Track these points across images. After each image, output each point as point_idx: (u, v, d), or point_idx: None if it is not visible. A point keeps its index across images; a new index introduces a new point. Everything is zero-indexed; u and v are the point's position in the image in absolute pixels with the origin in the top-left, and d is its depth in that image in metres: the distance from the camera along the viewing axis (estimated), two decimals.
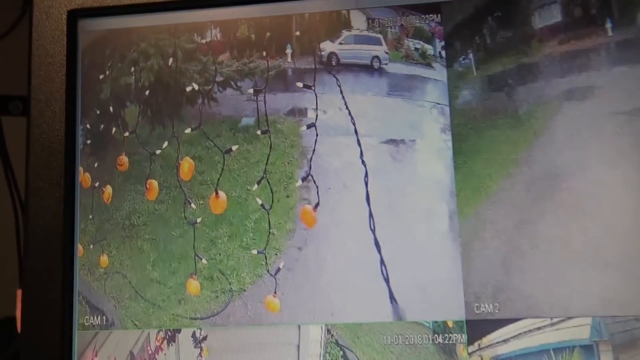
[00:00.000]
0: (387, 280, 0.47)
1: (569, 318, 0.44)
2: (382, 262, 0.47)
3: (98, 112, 0.54)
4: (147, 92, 0.53)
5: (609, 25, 0.47)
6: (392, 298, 0.47)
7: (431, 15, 0.50)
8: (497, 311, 0.45)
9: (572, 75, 0.47)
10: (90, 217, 0.52)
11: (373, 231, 0.47)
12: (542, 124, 0.47)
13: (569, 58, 0.48)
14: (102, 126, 0.54)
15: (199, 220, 0.50)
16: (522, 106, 0.48)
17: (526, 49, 0.48)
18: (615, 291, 0.43)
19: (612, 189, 0.45)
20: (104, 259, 0.52)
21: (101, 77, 0.54)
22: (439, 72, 0.49)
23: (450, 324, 0.46)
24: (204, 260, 0.50)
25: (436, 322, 0.46)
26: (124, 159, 0.53)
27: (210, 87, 0.52)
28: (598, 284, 0.44)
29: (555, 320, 0.44)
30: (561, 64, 0.48)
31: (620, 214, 0.44)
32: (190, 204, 0.51)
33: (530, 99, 0.47)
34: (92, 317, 0.51)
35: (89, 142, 0.54)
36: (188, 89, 0.52)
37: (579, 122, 0.46)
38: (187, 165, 0.51)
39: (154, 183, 0.52)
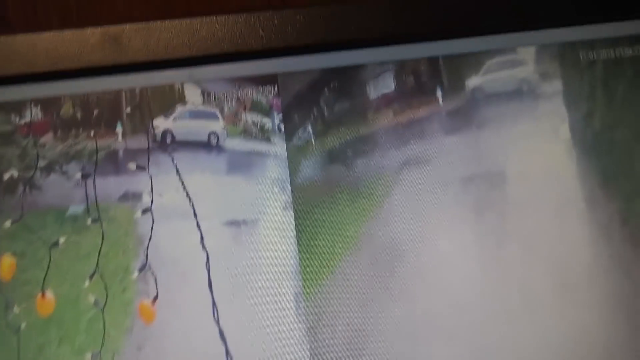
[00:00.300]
0: None
1: None
2: (227, 353, 0.48)
3: None
4: None
5: (439, 94, 0.51)
6: None
7: (268, 86, 0.52)
8: None
9: (407, 145, 0.50)
10: None
11: (217, 321, 0.48)
12: (382, 196, 0.49)
13: (403, 128, 0.50)
14: None
15: (23, 325, 0.48)
16: (361, 179, 0.50)
17: (363, 119, 0.51)
18: None
19: (453, 259, 0.49)
20: None
21: None
22: (279, 147, 0.51)
23: None
24: None
25: None
26: None
27: (32, 173, 0.50)
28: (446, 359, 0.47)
29: None
30: (397, 134, 0.50)
31: (462, 284, 0.48)
32: (12, 307, 0.48)
33: (369, 171, 0.50)
34: None
35: None
36: (6, 176, 0.50)
37: (416, 193, 0.50)
38: (7, 263, 0.50)
39: None
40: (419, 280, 0.47)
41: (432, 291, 0.47)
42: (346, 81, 0.50)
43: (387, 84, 0.50)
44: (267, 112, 0.52)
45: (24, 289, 0.49)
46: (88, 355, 0.48)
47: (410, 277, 0.47)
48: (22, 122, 0.52)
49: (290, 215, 0.50)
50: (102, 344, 0.47)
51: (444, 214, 0.48)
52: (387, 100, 0.50)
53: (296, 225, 0.49)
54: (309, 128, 0.51)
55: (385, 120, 0.51)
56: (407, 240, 0.48)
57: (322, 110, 0.50)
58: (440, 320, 0.46)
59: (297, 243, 0.49)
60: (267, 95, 0.51)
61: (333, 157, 0.49)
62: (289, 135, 0.51)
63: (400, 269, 0.47)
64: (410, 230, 0.48)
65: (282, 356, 0.47)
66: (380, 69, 0.50)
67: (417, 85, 0.50)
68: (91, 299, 0.48)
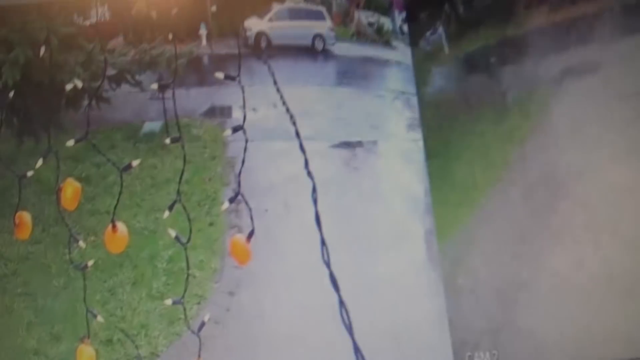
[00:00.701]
0: (349, 329, 0.46)
1: None
2: (341, 304, 0.46)
3: None
4: (11, 94, 0.52)
5: None
6: (357, 351, 0.47)
7: None
8: None
9: (569, 50, 0.49)
10: None
11: (327, 264, 0.47)
12: (538, 111, 0.49)
13: (563, 28, 0.49)
14: None
15: (90, 263, 0.49)
16: (509, 91, 0.49)
17: (510, 17, 0.50)
18: (633, 331, 0.44)
19: (628, 192, 0.46)
20: None
21: None
22: (402, 53, 0.51)
23: None
24: (99, 318, 0.48)
25: None
26: None
27: (99, 83, 0.51)
28: (612, 324, 0.45)
29: None
30: (554, 36, 0.50)
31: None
32: (77, 241, 0.49)
33: (519, 82, 0.49)
34: None
35: None
36: (69, 87, 0.51)
37: (581, 109, 0.49)
38: (70, 190, 0.50)
39: (25, 216, 0.49)
40: (587, 219, 0.46)
41: (603, 232, 0.43)
42: None
43: None
44: (386, 9, 0.52)
45: (91, 220, 0.51)
46: (168, 301, 0.48)
47: (575, 214, 0.46)
48: (87, 23, 0.53)
49: (417, 136, 0.50)
50: (185, 288, 0.48)
51: (616, 136, 0.46)
52: None
53: (425, 149, 0.49)
54: (440, 29, 0.51)
55: (539, 18, 0.50)
56: (571, 170, 0.48)
57: (456, 6, 0.52)
58: (614, 272, 0.42)
59: (427, 170, 0.49)
60: None
61: (472, 65, 0.51)
62: (414, 38, 0.51)
63: (562, 205, 0.46)
64: (574, 157, 0.48)
65: (409, 310, 0.48)
66: None
67: None
68: (171, 233, 0.48)
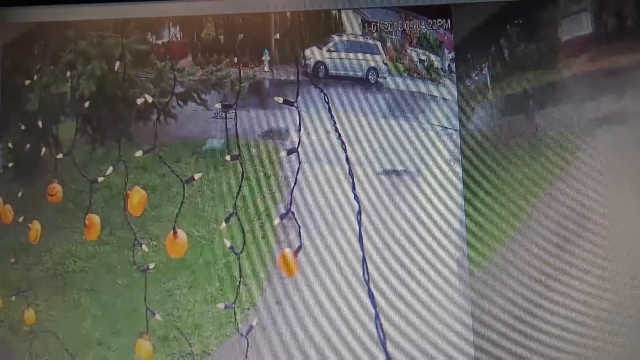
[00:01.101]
0: (383, 341, 0.50)
1: None
2: (377, 318, 0.50)
3: (23, 127, 0.57)
4: (86, 104, 0.56)
5: None
6: None
7: (439, 20, 0.55)
8: None
9: (603, 98, 0.52)
10: (12, 260, 0.55)
11: (367, 281, 0.51)
12: (569, 155, 0.52)
13: (600, 78, 0.53)
14: (28, 145, 0.56)
15: (152, 265, 0.53)
16: (545, 133, 0.52)
17: (551, 64, 0.53)
18: None
19: None
20: (30, 315, 0.54)
21: (27, 82, 0.57)
22: (448, 90, 0.54)
23: None
24: (157, 316, 0.53)
25: None
26: (57, 187, 0.55)
27: (167, 99, 0.55)
28: (627, 349, 0.47)
29: None
30: (591, 84, 0.53)
31: None
32: (141, 245, 0.54)
33: (555, 125, 0.53)
34: None
35: (10, 165, 0.56)
36: (139, 101, 0.55)
37: (612, 154, 0.50)
38: (137, 197, 0.54)
39: (94, 219, 0.54)
40: (609, 258, 0.48)
41: (624, 271, 0.46)
42: (533, 18, 0.51)
43: (582, 25, 0.49)
44: (437, 48, 0.55)
45: (155, 226, 0.55)
46: (220, 306, 0.53)
47: (598, 252, 0.48)
48: (159, 42, 0.56)
49: (457, 169, 0.53)
50: (237, 295, 0.53)
51: (637, 180, 0.47)
52: (581, 44, 0.52)
53: (464, 181, 0.53)
54: (485, 70, 0.54)
55: (578, 66, 0.53)
56: (598, 210, 0.49)
57: (501, 51, 0.54)
58: (634, 304, 0.46)
59: (464, 200, 0.52)
60: (437, 29, 0.55)
61: (512, 106, 0.53)
62: (461, 77, 0.54)
63: (585, 241, 0.48)
64: (602, 198, 0.50)
65: (439, 328, 0.51)
66: (576, 7, 0.50)
67: (620, 27, 0.50)
68: (227, 243, 0.53)
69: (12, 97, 0.56)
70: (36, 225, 0.55)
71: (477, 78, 0.53)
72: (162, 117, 0.55)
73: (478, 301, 0.51)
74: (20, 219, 0.55)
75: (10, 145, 0.56)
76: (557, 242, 0.51)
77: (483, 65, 0.53)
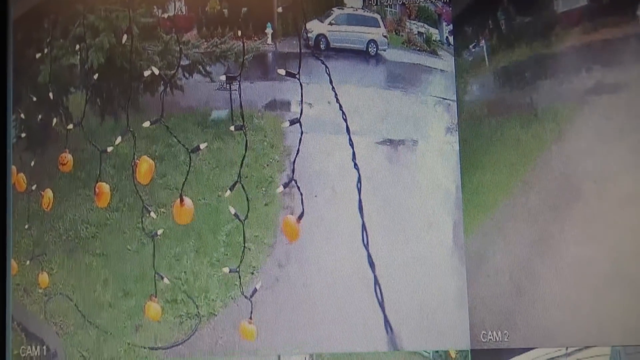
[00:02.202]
0: (381, 304, 0.54)
1: (586, 347, 0.51)
2: (376, 282, 0.53)
3: (34, 98, 0.59)
4: (95, 76, 0.58)
5: None
6: (387, 324, 0.53)
7: None
8: (505, 339, 0.53)
9: (597, 69, 0.54)
10: (26, 226, 0.58)
11: (366, 246, 0.53)
12: (562, 125, 0.54)
13: (594, 50, 0.55)
14: (39, 116, 0.59)
15: (159, 232, 0.56)
16: (539, 104, 0.55)
17: (547, 37, 0.55)
18: (638, 318, 0.50)
19: (637, 198, 0.51)
20: (44, 278, 0.57)
21: (38, 55, 0.60)
22: (446, 61, 0.56)
23: (453, 354, 0.53)
24: (165, 280, 0.56)
25: (437, 352, 0.53)
26: (68, 156, 0.58)
27: (173, 71, 0.57)
28: (619, 310, 0.50)
29: (570, 350, 0.52)
30: (585, 56, 0.55)
31: None
32: (149, 212, 0.56)
33: (549, 96, 0.55)
34: (29, 347, 0.57)
35: (23, 135, 0.59)
36: (146, 73, 0.58)
37: (604, 124, 0.53)
38: (145, 166, 0.56)
39: (104, 187, 0.57)
40: (601, 224, 0.51)
41: (615, 237, 0.50)
42: None
43: None
44: (435, 21, 0.57)
45: (162, 193, 0.57)
46: (225, 270, 0.56)
47: (590, 219, 0.51)
48: (165, 15, 0.59)
49: (454, 139, 0.55)
50: (241, 259, 0.55)
51: (635, 150, 0.50)
52: (577, 16, 0.54)
53: (460, 150, 0.55)
54: (483, 42, 0.56)
55: (573, 39, 0.55)
56: (590, 178, 0.52)
57: (498, 23, 0.56)
58: (621, 269, 0.49)
59: (460, 169, 0.55)
60: (436, 2, 0.57)
61: (508, 77, 0.55)
62: (458, 49, 0.56)
63: (579, 210, 0.51)
64: (594, 168, 0.52)
65: (435, 291, 0.54)
66: None
67: (615, 1, 0.51)
68: (231, 210, 0.56)
69: (24, 70, 0.59)
70: (48, 193, 0.57)
71: (474, 50, 0.55)
72: (168, 89, 0.57)
73: (472, 264, 0.54)
74: (33, 187, 0.58)
75: (22, 116, 0.59)
76: (550, 208, 0.53)
77: (480, 38, 0.55)
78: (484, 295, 0.53)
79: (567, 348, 0.52)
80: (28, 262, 0.57)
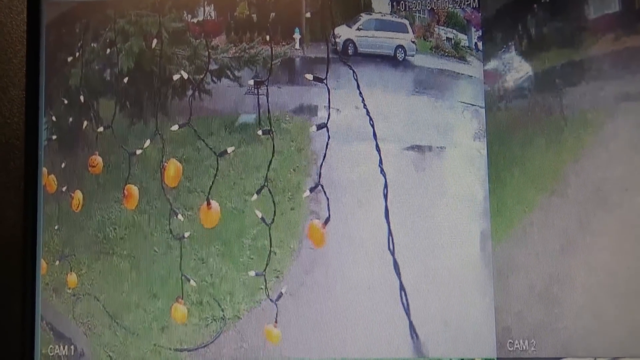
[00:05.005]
0: (407, 311, 0.55)
1: (615, 358, 0.53)
2: (402, 288, 0.55)
3: (66, 101, 0.62)
4: (125, 80, 0.61)
5: None
6: (412, 331, 0.55)
7: None
8: (533, 349, 0.54)
9: (629, 77, 0.55)
10: (56, 227, 0.61)
11: (392, 253, 0.55)
12: (594, 133, 0.55)
13: (626, 56, 0.56)
14: (70, 119, 0.62)
15: (186, 234, 0.59)
16: (570, 111, 0.56)
17: (578, 43, 0.57)
18: None
19: None
20: (73, 278, 0.60)
21: (70, 59, 0.62)
22: (474, 68, 0.58)
23: None
24: (192, 282, 0.58)
25: (462, 359, 0.54)
26: (97, 159, 0.61)
27: (202, 76, 0.60)
28: None
29: None
30: (617, 63, 0.56)
31: None
32: (176, 215, 0.59)
33: (580, 103, 0.56)
34: (57, 347, 0.59)
35: (54, 137, 0.62)
36: (175, 77, 0.60)
37: (636, 132, 0.55)
38: (173, 169, 0.59)
39: (133, 189, 0.60)
40: (630, 233, 0.51)
41: None
42: None
43: (610, 4, 0.53)
44: (464, 27, 0.59)
45: (189, 196, 0.60)
46: (251, 273, 0.58)
47: (621, 228, 0.52)
48: (195, 20, 0.61)
49: (482, 145, 0.57)
50: (267, 263, 0.57)
51: None
52: (609, 23, 0.56)
53: (489, 157, 0.56)
54: (512, 48, 0.57)
55: (604, 45, 0.56)
56: (621, 187, 0.53)
57: (528, 29, 0.57)
58: None
59: (488, 176, 0.56)
60: (465, 8, 0.58)
61: (538, 84, 0.57)
62: (487, 55, 0.58)
63: (609, 218, 0.52)
64: (625, 176, 0.52)
65: (461, 299, 0.56)
66: None
67: None
68: (258, 214, 0.58)
69: (55, 73, 0.62)
70: (78, 195, 0.60)
71: (503, 56, 0.57)
72: (196, 93, 0.59)
73: (500, 273, 0.55)
74: (64, 189, 0.60)
75: (54, 118, 0.61)
76: (579, 217, 0.55)
77: (510, 44, 0.57)
78: (511, 303, 0.55)
79: (595, 358, 0.53)
80: (57, 262, 0.60)
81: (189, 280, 0.58)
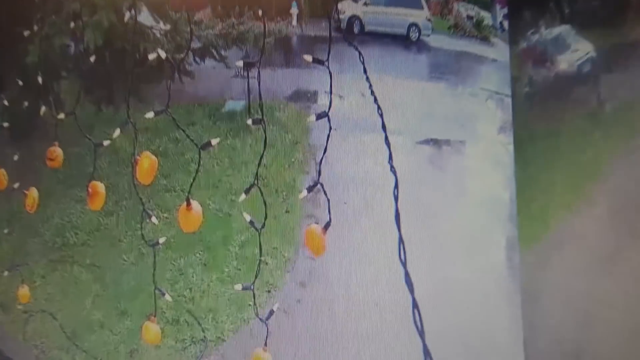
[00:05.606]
0: (420, 332, 0.49)
1: None
2: (414, 305, 0.49)
3: (20, 82, 0.56)
4: (92, 59, 0.55)
5: None
6: (427, 355, 0.49)
7: None
8: None
9: None
10: (5, 231, 0.55)
11: (404, 264, 0.50)
12: (633, 126, 0.50)
13: None
14: (25, 103, 0.56)
15: (162, 240, 0.52)
16: (608, 101, 0.50)
17: (617, 24, 0.51)
18: None
19: None
20: (24, 292, 0.54)
21: (26, 33, 0.56)
22: (500, 50, 0.53)
23: None
24: (167, 297, 0.51)
25: None
26: (57, 151, 0.54)
27: (182, 55, 0.54)
28: None
29: None
30: None
31: None
32: (150, 217, 0.52)
33: (619, 92, 0.50)
34: None
35: (6, 125, 0.56)
36: (151, 56, 0.53)
37: None
38: (147, 163, 0.53)
39: (99, 186, 0.53)
40: None
41: None
42: None
43: None
44: (487, 3, 0.54)
45: (166, 196, 0.54)
46: (238, 287, 0.51)
47: None
48: None
49: (508, 140, 0.51)
50: (257, 275, 0.50)
51: None
52: None
53: (515, 152, 0.51)
54: (542, 28, 0.52)
55: None
56: None
57: (561, 5, 0.52)
58: None
59: (515, 175, 0.51)
60: None
61: (572, 69, 0.52)
62: (514, 36, 0.52)
63: None
64: None
65: (482, 318, 0.50)
66: None
67: None
68: (246, 217, 0.51)
69: (9, 50, 0.56)
70: (33, 193, 0.54)
71: (532, 37, 0.52)
72: (176, 75, 0.54)
73: (528, 287, 0.49)
74: (16, 186, 0.55)
75: (5, 102, 0.56)
76: (617, 218, 0.49)
77: (540, 23, 0.52)
78: (542, 323, 0.49)
79: None
80: (6, 273, 0.54)
81: (163, 295, 0.51)
